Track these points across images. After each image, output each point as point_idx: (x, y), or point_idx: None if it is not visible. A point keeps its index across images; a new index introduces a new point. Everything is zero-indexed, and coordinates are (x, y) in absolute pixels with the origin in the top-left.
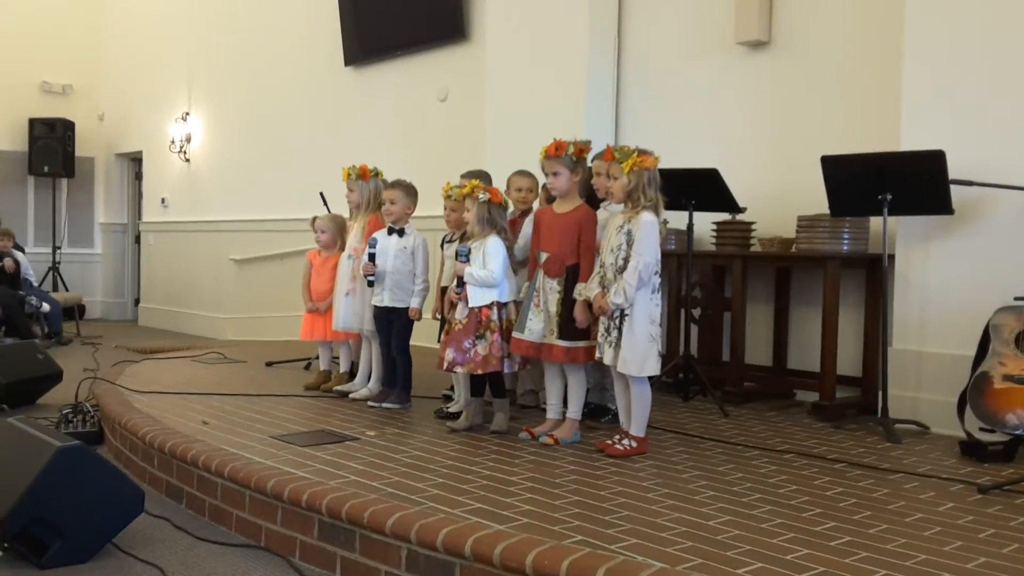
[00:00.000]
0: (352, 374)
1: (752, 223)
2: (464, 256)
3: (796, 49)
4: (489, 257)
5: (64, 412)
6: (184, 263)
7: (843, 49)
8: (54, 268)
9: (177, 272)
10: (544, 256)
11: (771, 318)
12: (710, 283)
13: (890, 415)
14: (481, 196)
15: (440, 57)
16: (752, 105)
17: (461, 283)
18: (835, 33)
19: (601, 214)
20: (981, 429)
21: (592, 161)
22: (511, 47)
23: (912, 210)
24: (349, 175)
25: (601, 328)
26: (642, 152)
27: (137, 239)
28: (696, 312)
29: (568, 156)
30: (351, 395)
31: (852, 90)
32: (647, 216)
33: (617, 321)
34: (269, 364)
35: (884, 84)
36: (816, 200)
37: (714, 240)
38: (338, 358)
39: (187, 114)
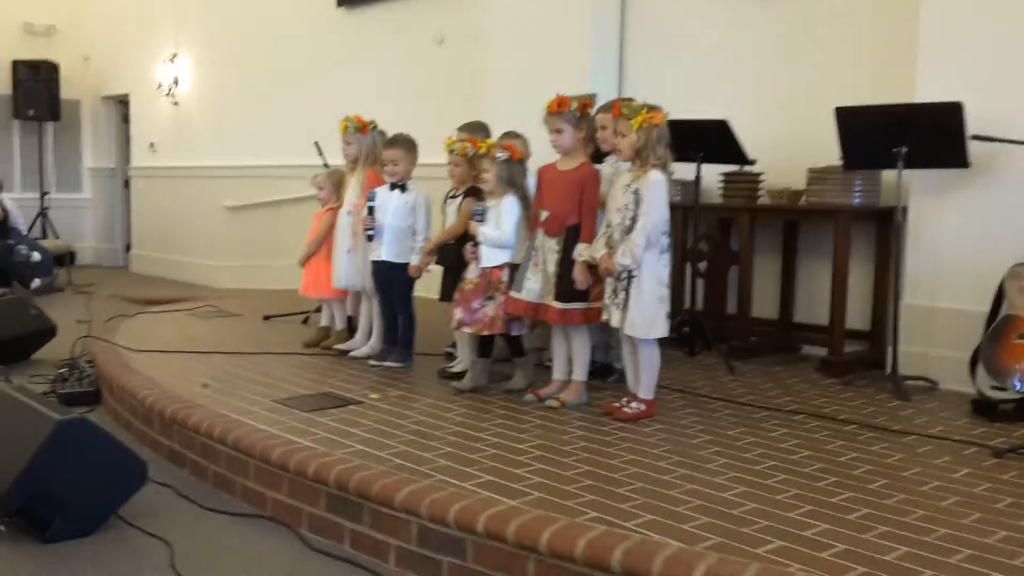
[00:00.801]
0: (351, 330)
1: (760, 174)
2: (480, 216)
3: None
4: (503, 217)
5: (60, 371)
6: (175, 209)
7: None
8: (43, 214)
9: (168, 218)
10: (545, 214)
11: (778, 271)
12: (717, 236)
13: (899, 371)
14: (500, 155)
15: None
16: (760, 53)
17: (476, 242)
18: None
19: (606, 169)
20: (992, 387)
21: (596, 114)
22: None
23: (928, 163)
24: (347, 128)
25: (608, 290)
26: (651, 108)
27: (126, 184)
28: (702, 266)
29: (571, 112)
30: (351, 353)
31: (865, 38)
32: (655, 175)
33: (625, 282)
34: (267, 318)
35: (899, 32)
36: (826, 151)
37: (721, 192)
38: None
39: (175, 56)
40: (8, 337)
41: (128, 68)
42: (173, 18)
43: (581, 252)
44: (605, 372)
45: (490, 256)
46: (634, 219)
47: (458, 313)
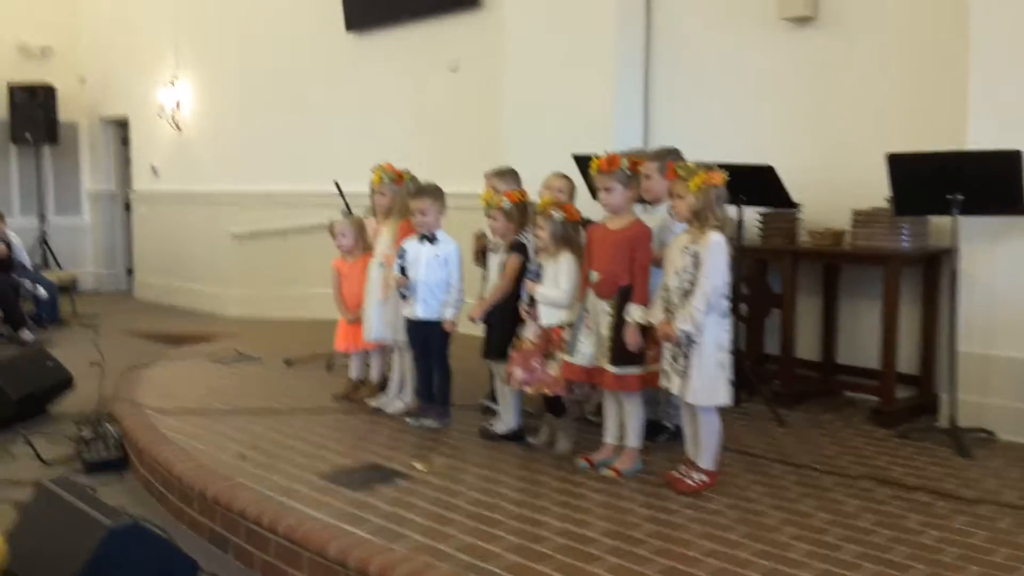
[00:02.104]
0: (382, 384)
1: (797, 213)
2: (535, 273)
3: (845, 26)
4: (562, 276)
5: (84, 436)
6: (179, 234)
7: (898, 27)
8: (43, 241)
9: (172, 244)
10: (596, 276)
11: (818, 313)
12: (759, 279)
13: (956, 423)
14: (556, 215)
15: (450, 25)
16: (796, 87)
17: (532, 301)
18: (889, 9)
19: (652, 222)
20: None
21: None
22: (529, 18)
23: (983, 210)
24: (381, 178)
25: (667, 355)
26: (708, 168)
27: (127, 207)
28: (742, 308)
29: (622, 170)
30: (386, 409)
31: (908, 72)
32: (716, 237)
33: (684, 348)
34: (288, 363)
35: (945, 67)
36: (867, 189)
37: (759, 232)
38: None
39: (175, 79)
40: (26, 393)
41: (127, 90)
42: (172, 40)
43: (632, 314)
44: (655, 430)
45: (549, 315)
46: (693, 282)
47: (518, 373)
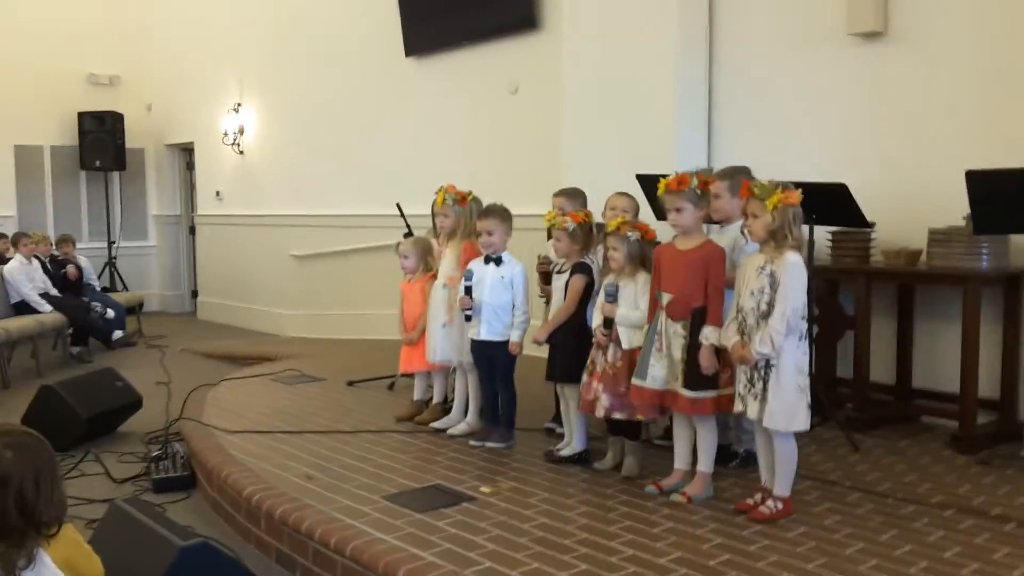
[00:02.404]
0: (445, 405)
1: (871, 233)
2: (611, 295)
3: (916, 41)
4: (641, 297)
5: (153, 454)
6: (241, 257)
7: (971, 40)
8: (111, 264)
9: (235, 266)
10: (667, 297)
11: (892, 335)
12: (830, 299)
13: None
14: (631, 235)
15: (509, 48)
16: (864, 104)
17: (608, 323)
18: (962, 23)
19: (723, 241)
20: None
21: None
22: (589, 39)
23: None
24: (444, 200)
25: (743, 379)
26: (784, 186)
27: (191, 230)
28: (814, 330)
29: (692, 190)
30: (449, 431)
31: (982, 87)
32: (793, 257)
33: (762, 372)
34: (351, 383)
35: (1020, 81)
36: (942, 207)
37: (830, 252)
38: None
39: (239, 105)
40: (95, 412)
41: (191, 116)
42: (236, 68)
43: (708, 336)
44: (725, 456)
45: (631, 337)
46: (770, 303)
47: (605, 400)
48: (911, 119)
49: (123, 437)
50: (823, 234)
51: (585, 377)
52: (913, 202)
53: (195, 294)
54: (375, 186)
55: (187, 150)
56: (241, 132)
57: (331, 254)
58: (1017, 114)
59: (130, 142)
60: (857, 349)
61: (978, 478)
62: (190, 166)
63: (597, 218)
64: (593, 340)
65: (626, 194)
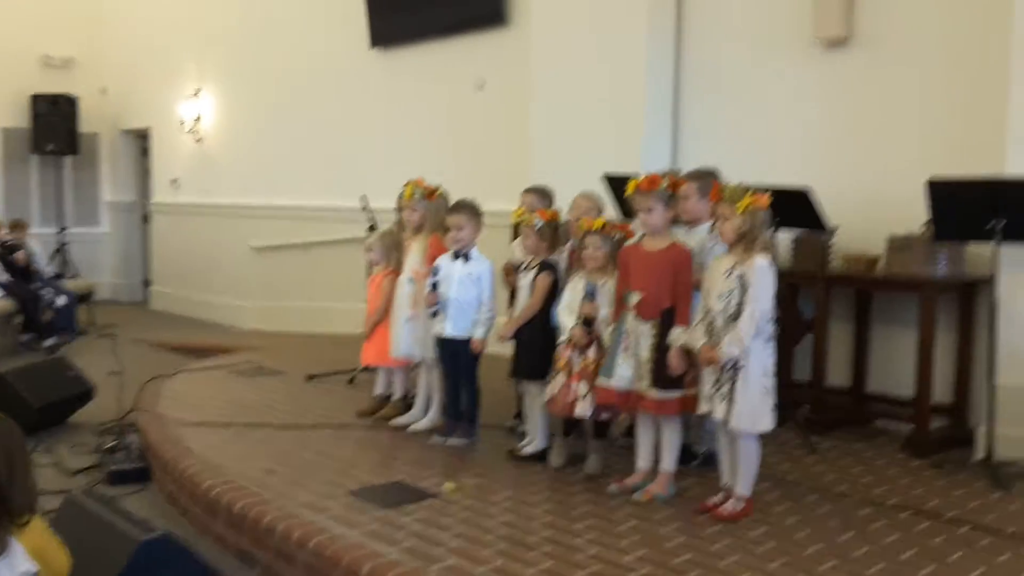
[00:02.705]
0: (407, 401)
1: (831, 238)
2: (592, 295)
3: (881, 48)
4: None
5: (107, 446)
6: (198, 246)
7: (936, 49)
8: (62, 250)
9: (191, 255)
10: (636, 297)
11: (850, 339)
12: (790, 303)
13: (993, 456)
14: (617, 235)
15: (476, 42)
16: (828, 109)
17: (588, 322)
18: (926, 30)
19: (690, 243)
20: None
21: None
22: (557, 36)
23: None
24: (412, 194)
25: (710, 380)
26: (754, 191)
27: (145, 218)
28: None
29: (663, 191)
30: (411, 427)
31: (946, 95)
32: (762, 260)
33: (730, 373)
34: (311, 377)
35: (984, 90)
36: (902, 214)
37: (791, 256)
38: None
39: (198, 91)
40: (46, 403)
41: (148, 102)
42: (196, 53)
43: (678, 336)
44: (686, 456)
45: None
46: (739, 306)
47: (591, 399)
48: (874, 125)
49: (75, 428)
50: (785, 238)
51: (562, 378)
52: (873, 208)
53: (148, 283)
54: (339, 178)
55: (143, 136)
56: (199, 119)
57: (292, 246)
58: (979, 123)
59: (84, 126)
60: (816, 352)
61: (932, 481)
62: (145, 152)
63: (565, 217)
64: (563, 339)
65: (591, 194)
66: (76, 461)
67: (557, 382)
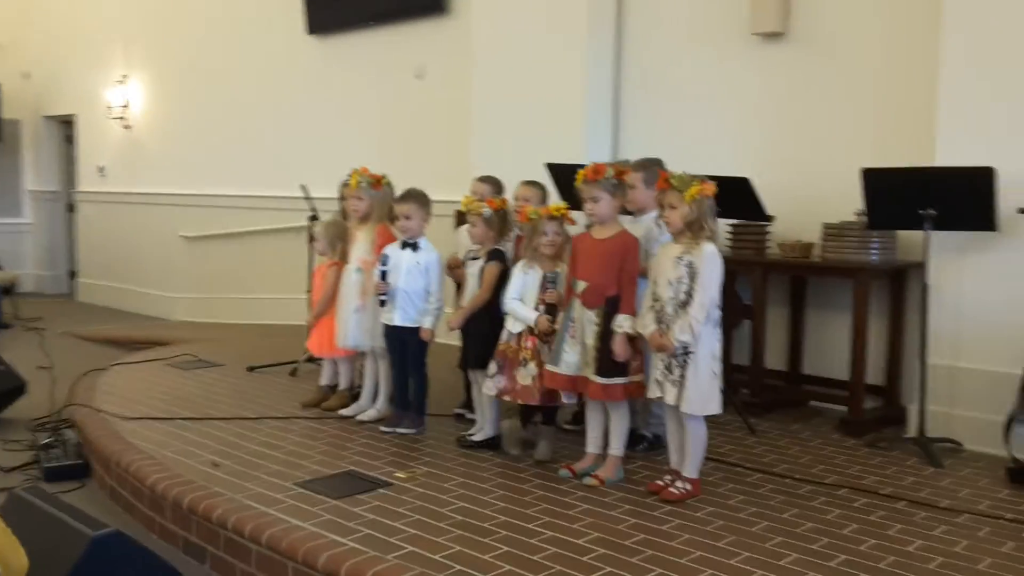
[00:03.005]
0: (352, 392)
1: (767, 226)
2: (553, 283)
3: (816, 42)
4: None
5: (42, 442)
6: (126, 236)
7: (869, 43)
8: None
9: (119, 246)
10: (582, 285)
11: (786, 324)
12: (728, 289)
13: (925, 433)
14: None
15: (416, 30)
16: (765, 102)
17: (550, 309)
18: (860, 25)
19: (634, 230)
20: None
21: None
22: (497, 26)
23: (955, 226)
24: (359, 183)
25: (660, 366)
26: (700, 179)
27: (70, 208)
28: None
29: (608, 180)
30: (359, 417)
31: (879, 88)
32: (710, 248)
33: (681, 359)
34: (251, 369)
35: (915, 83)
36: (836, 203)
37: (729, 243)
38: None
39: (125, 77)
40: None
41: (73, 87)
42: (123, 37)
43: (622, 324)
44: (633, 440)
45: None
46: (689, 293)
47: (499, 380)
48: (809, 118)
49: (6, 424)
50: (723, 226)
51: (534, 368)
52: (808, 197)
53: (74, 275)
54: (274, 167)
55: (67, 122)
56: (127, 105)
57: (225, 236)
58: (910, 114)
59: (5, 112)
60: (754, 337)
61: (866, 459)
62: (70, 139)
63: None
64: (517, 329)
65: (534, 183)
66: (10, 458)
67: (527, 372)
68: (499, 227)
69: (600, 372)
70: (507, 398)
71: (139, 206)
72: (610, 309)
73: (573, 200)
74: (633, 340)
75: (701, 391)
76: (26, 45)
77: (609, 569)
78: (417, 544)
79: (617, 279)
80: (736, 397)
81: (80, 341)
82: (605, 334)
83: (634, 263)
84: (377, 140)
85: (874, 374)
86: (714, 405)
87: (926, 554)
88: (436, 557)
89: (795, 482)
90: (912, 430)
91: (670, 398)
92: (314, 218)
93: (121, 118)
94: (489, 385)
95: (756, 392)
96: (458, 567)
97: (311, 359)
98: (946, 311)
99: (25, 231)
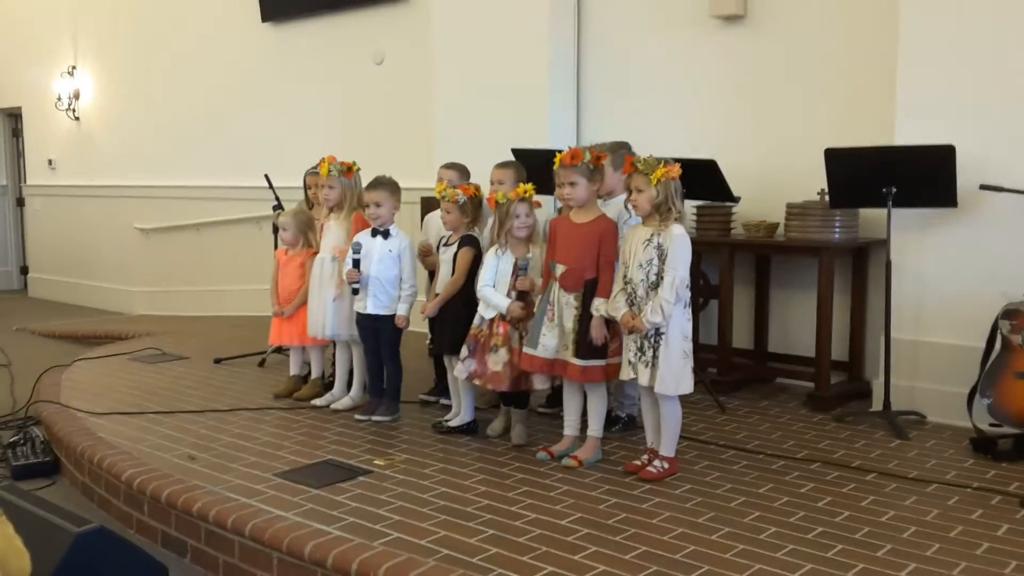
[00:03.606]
0: (324, 381)
1: (733, 207)
2: (524, 269)
3: (775, 24)
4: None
5: (9, 440)
6: (79, 230)
7: (828, 25)
8: None
9: (72, 240)
10: (560, 269)
11: (751, 303)
12: (695, 269)
13: (890, 407)
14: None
15: (373, 16)
16: (728, 84)
17: (522, 296)
18: (818, 7)
19: (606, 211)
20: (991, 425)
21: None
22: (458, 11)
23: (916, 203)
24: (330, 171)
25: (632, 347)
26: (666, 162)
27: (19, 202)
28: None
29: (585, 165)
30: (333, 405)
31: (838, 69)
32: (678, 229)
33: (652, 340)
34: (218, 361)
35: (874, 63)
36: (799, 183)
37: (694, 224)
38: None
39: (73, 68)
40: None
41: (18, 79)
42: (70, 27)
43: (598, 307)
44: (608, 422)
45: None
46: (659, 274)
47: (469, 364)
48: (770, 99)
49: None
50: (688, 208)
51: (504, 354)
52: (771, 178)
53: (25, 270)
54: (232, 156)
55: (13, 115)
56: (76, 96)
57: (182, 227)
58: (870, 95)
59: None
60: (721, 316)
61: (835, 433)
62: (16, 133)
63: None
64: (489, 315)
65: (509, 163)
66: None
67: (498, 358)
68: (473, 213)
69: (579, 355)
70: (477, 382)
71: (91, 199)
72: (589, 293)
73: (539, 185)
74: (611, 323)
75: (673, 371)
76: None
77: (595, 548)
78: (402, 530)
79: (596, 263)
80: (705, 376)
81: (37, 337)
82: (584, 317)
83: (612, 247)
84: (340, 128)
85: (838, 350)
86: (686, 384)
87: (900, 524)
88: (422, 542)
89: (768, 457)
90: (878, 404)
91: (644, 379)
92: (278, 208)
93: (71, 109)
94: (460, 368)
95: (724, 371)
96: (445, 551)
97: (279, 349)
98: (909, 287)
99: None
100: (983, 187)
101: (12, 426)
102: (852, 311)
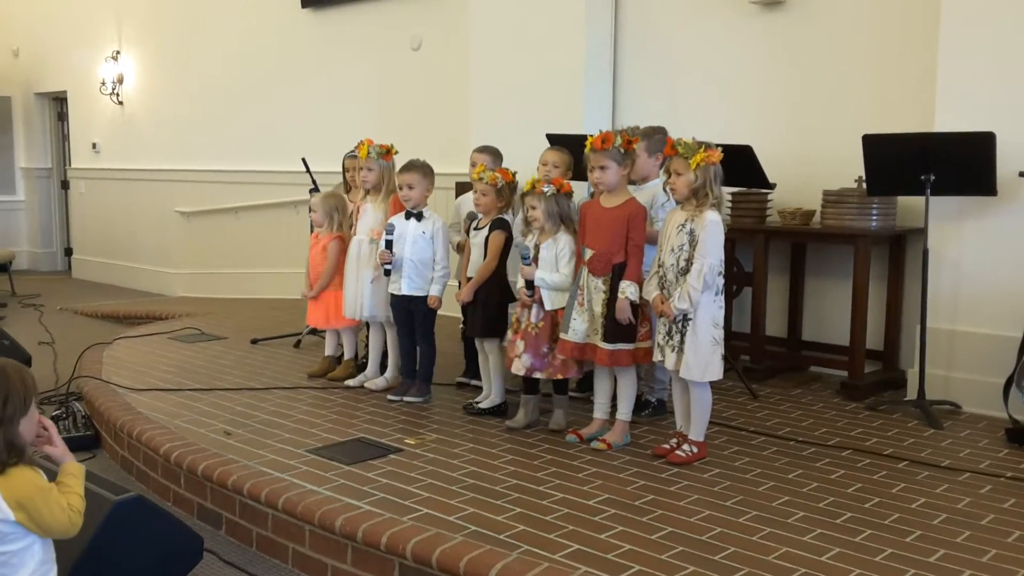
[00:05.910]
0: (357, 361)
1: (769, 194)
2: (527, 257)
3: (814, 10)
4: (561, 259)
5: (52, 415)
6: (122, 213)
7: (867, 9)
8: None
9: (114, 223)
10: (589, 253)
11: (786, 290)
12: (729, 257)
13: (925, 396)
14: (547, 189)
15: (411, 2)
16: (765, 70)
17: (530, 285)
18: None
19: (639, 198)
20: None
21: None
22: None
23: (955, 191)
24: (369, 153)
25: (662, 330)
26: (707, 146)
27: (64, 185)
28: None
29: (616, 149)
30: (366, 385)
31: (878, 55)
32: (712, 215)
33: (680, 325)
34: (255, 341)
35: (914, 49)
36: (836, 170)
37: (729, 211)
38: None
39: (117, 53)
40: None
41: (65, 63)
42: (114, 13)
43: (625, 289)
44: (638, 406)
45: (554, 299)
46: (689, 260)
47: (527, 359)
48: (808, 85)
49: None
50: (724, 194)
51: (510, 334)
52: (808, 164)
53: (69, 252)
54: (270, 141)
55: (59, 99)
56: (120, 81)
57: (222, 211)
58: (909, 81)
59: None
60: (755, 304)
61: (867, 422)
62: (62, 116)
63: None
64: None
65: (559, 149)
66: None
67: (508, 339)
68: (508, 198)
69: (607, 339)
70: (541, 375)
71: (134, 182)
72: (617, 277)
73: (574, 169)
74: (641, 306)
75: (700, 357)
76: (13, 21)
77: (621, 528)
78: (431, 506)
79: (624, 247)
80: (737, 363)
81: (79, 317)
82: (612, 301)
83: (641, 231)
84: (376, 113)
85: (873, 339)
86: (714, 371)
87: (930, 511)
88: (451, 519)
89: (799, 444)
90: (912, 393)
91: (670, 363)
92: (315, 191)
93: (114, 94)
94: (518, 365)
95: (757, 358)
96: (473, 527)
97: (314, 331)
98: (945, 276)
99: (19, 209)
100: (1023, 174)
101: (55, 401)
102: (888, 300)
